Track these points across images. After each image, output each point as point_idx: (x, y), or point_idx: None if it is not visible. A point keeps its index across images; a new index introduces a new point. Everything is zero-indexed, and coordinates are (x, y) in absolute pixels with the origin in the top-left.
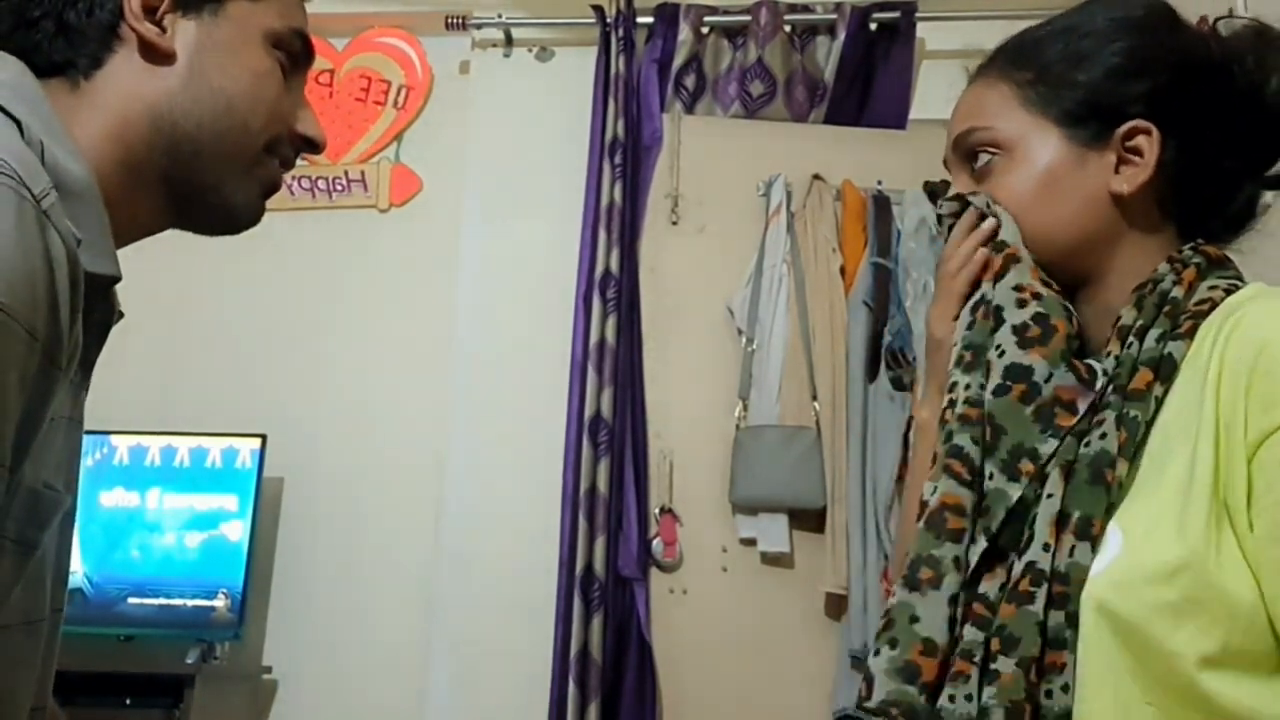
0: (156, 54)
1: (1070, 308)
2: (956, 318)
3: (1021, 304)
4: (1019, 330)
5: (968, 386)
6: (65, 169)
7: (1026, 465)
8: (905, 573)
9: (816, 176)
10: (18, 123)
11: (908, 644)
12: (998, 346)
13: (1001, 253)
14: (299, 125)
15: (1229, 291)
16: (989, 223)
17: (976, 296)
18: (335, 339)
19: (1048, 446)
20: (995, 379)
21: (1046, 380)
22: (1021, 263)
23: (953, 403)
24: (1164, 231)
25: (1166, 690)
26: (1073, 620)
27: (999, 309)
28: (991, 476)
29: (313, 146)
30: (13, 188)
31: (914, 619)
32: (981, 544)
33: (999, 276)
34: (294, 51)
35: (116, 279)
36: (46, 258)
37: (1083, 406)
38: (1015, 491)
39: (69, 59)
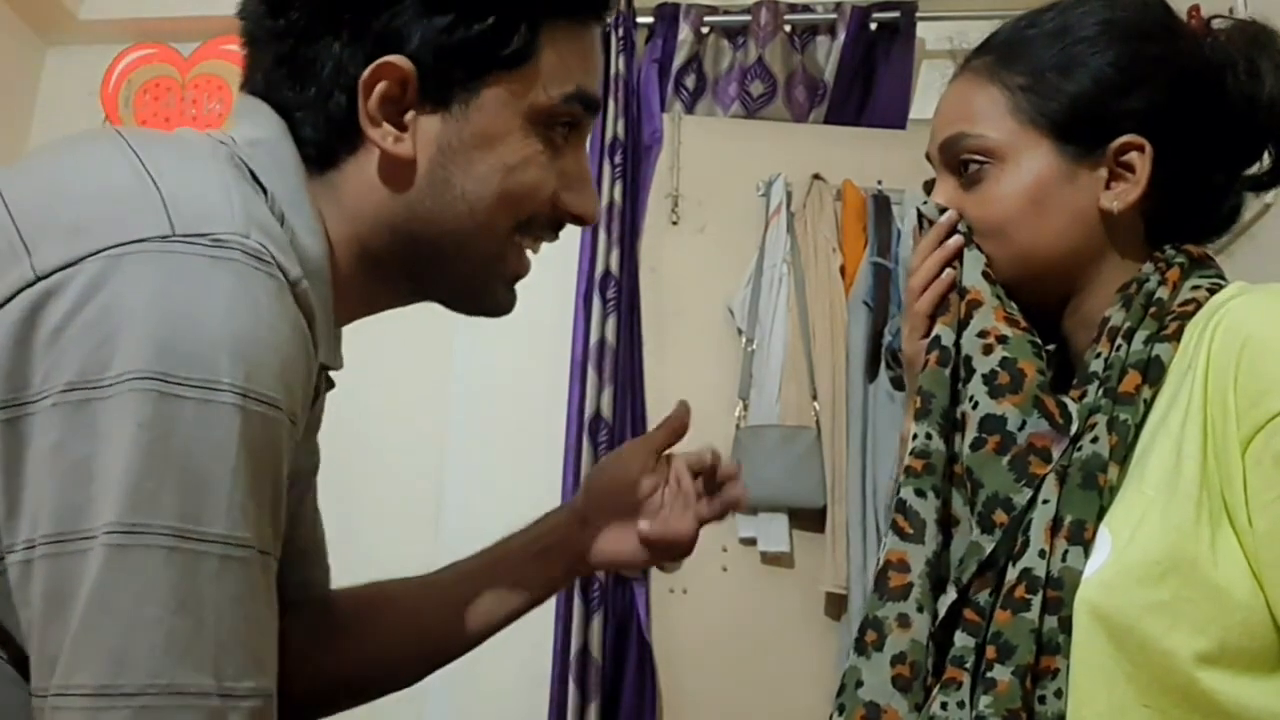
0: (395, 161)
1: (1039, 342)
2: (924, 336)
3: (987, 350)
4: (988, 379)
5: (915, 437)
6: (302, 245)
7: (1000, 516)
8: (856, 636)
9: (816, 176)
10: (265, 192)
11: (852, 710)
12: (971, 398)
13: (964, 299)
14: (565, 202)
15: (1212, 291)
16: (954, 240)
17: (931, 337)
18: None
19: (1022, 496)
20: (971, 432)
21: (1020, 428)
22: (984, 305)
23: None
24: (1149, 242)
25: (1164, 691)
26: (1066, 625)
27: (968, 358)
28: (957, 523)
29: (579, 221)
30: (278, 279)
31: (859, 684)
32: (951, 594)
33: (964, 324)
34: (572, 117)
35: (335, 368)
36: (307, 348)
37: (1057, 452)
38: (989, 544)
39: (311, 151)
